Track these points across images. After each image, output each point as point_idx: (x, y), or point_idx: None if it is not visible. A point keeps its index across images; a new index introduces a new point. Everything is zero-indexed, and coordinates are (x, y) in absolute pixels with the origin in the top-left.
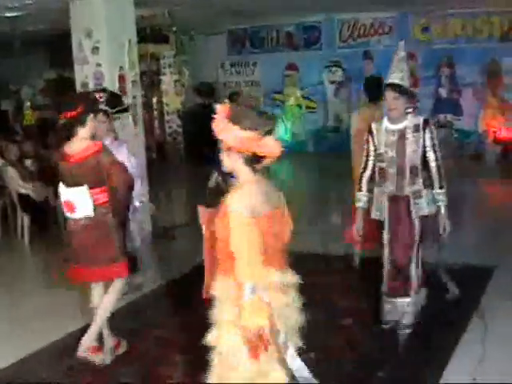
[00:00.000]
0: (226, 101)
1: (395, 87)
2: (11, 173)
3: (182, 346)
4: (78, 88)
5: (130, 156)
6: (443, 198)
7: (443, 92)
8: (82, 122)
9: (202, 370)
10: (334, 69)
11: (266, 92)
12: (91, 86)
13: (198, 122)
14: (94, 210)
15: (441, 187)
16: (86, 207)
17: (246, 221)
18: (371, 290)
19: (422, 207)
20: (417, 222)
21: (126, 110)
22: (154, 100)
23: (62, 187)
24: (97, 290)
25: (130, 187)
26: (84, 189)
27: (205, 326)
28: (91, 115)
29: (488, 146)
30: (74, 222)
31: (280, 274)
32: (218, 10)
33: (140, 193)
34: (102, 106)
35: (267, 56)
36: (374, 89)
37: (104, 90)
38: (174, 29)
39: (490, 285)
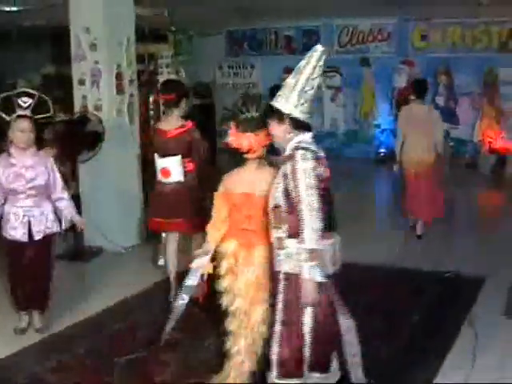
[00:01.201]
0: None
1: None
2: None
3: (171, 346)
4: (75, 85)
5: None
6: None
7: (440, 100)
8: (177, 104)
9: (191, 369)
10: (331, 74)
11: (264, 95)
12: (88, 83)
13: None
14: (185, 175)
15: None
16: (178, 173)
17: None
18: None
19: None
20: None
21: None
22: (151, 99)
23: (157, 157)
24: (172, 243)
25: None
26: (178, 158)
27: (194, 326)
28: (184, 99)
29: (483, 156)
30: (166, 186)
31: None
32: (218, 9)
33: None
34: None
35: (265, 59)
36: (422, 88)
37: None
38: (173, 29)
39: (481, 294)
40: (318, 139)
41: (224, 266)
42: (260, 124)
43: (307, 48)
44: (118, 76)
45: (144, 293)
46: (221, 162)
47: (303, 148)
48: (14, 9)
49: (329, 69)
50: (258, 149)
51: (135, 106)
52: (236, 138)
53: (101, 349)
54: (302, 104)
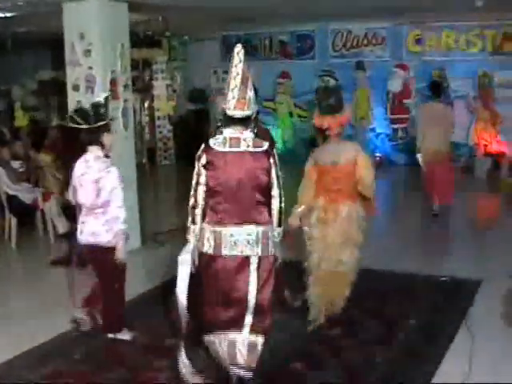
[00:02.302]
0: None
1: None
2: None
3: (167, 352)
4: (70, 90)
5: None
6: None
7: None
8: None
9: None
10: (326, 78)
11: (259, 99)
12: (82, 89)
13: (189, 128)
14: None
15: None
16: None
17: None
18: None
19: None
20: None
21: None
22: (146, 105)
23: None
24: None
25: None
26: None
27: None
28: None
29: (479, 159)
30: None
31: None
32: (212, 16)
33: None
34: None
35: (260, 64)
36: (438, 89)
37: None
38: (167, 34)
39: (477, 297)
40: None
41: (314, 216)
42: (336, 109)
43: (302, 53)
44: (113, 82)
45: (140, 298)
46: None
47: None
48: (9, 15)
49: (323, 73)
50: (335, 128)
51: (130, 112)
52: (318, 120)
53: (97, 355)
54: None
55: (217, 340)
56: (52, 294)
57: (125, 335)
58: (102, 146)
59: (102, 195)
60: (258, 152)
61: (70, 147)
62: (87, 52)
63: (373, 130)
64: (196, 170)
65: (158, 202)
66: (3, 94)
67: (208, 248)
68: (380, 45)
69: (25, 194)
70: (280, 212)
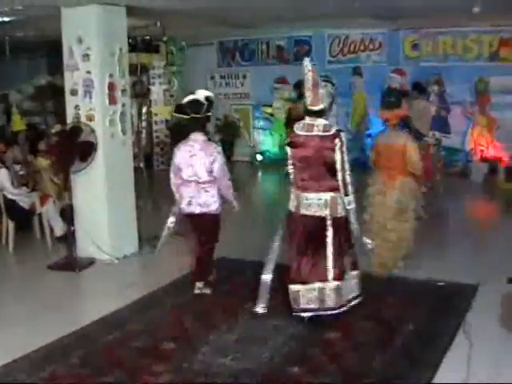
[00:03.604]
0: None
1: None
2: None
3: (165, 355)
4: (68, 95)
5: None
6: None
7: (432, 109)
8: None
9: (184, 380)
10: (323, 83)
11: (256, 104)
12: (80, 93)
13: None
14: None
15: None
16: None
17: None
18: None
19: None
20: None
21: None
22: (144, 110)
23: None
24: None
25: None
26: None
27: (187, 337)
28: None
29: (475, 164)
30: None
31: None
32: (209, 21)
33: None
34: None
35: (257, 68)
36: (421, 88)
37: None
38: (165, 39)
39: (475, 301)
40: None
41: (375, 188)
42: (395, 105)
43: (299, 58)
44: (111, 86)
45: (137, 303)
46: None
47: None
48: (7, 19)
49: (320, 78)
50: (393, 120)
51: (128, 116)
52: (381, 114)
53: (94, 359)
54: None
55: (304, 288)
56: (50, 297)
57: (207, 289)
58: (206, 132)
59: (214, 171)
60: (326, 135)
61: (69, 152)
62: (85, 56)
63: (369, 135)
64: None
65: (155, 207)
66: (0, 99)
67: (292, 207)
68: (377, 50)
69: (24, 198)
70: (344, 183)
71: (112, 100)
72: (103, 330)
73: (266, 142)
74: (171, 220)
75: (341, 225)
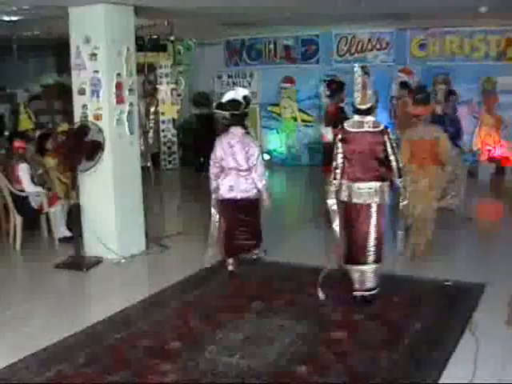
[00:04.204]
0: None
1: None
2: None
3: (172, 355)
4: (75, 94)
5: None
6: None
7: (439, 109)
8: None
9: (190, 380)
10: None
11: (263, 104)
12: (88, 93)
13: (194, 132)
14: None
15: None
16: None
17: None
18: None
19: None
20: None
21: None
22: (152, 109)
23: None
24: None
25: None
26: None
27: (194, 336)
28: None
29: (482, 164)
30: None
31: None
32: (217, 20)
33: None
34: None
35: (264, 68)
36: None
37: None
38: (172, 38)
39: (481, 301)
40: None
41: (409, 177)
42: (425, 101)
43: (306, 57)
44: (118, 85)
45: (144, 302)
46: None
47: None
48: (14, 19)
49: (327, 78)
50: (422, 115)
51: (135, 116)
52: (413, 109)
53: (101, 358)
54: None
55: (352, 269)
56: (56, 296)
57: (263, 253)
58: (245, 126)
59: (251, 160)
60: (376, 131)
61: (76, 151)
62: (93, 56)
63: None
64: (336, 143)
65: (162, 207)
66: (8, 98)
67: (344, 197)
68: (384, 50)
69: (34, 197)
70: (398, 168)
71: (119, 99)
72: (110, 329)
73: (273, 141)
74: (213, 211)
75: (382, 212)
